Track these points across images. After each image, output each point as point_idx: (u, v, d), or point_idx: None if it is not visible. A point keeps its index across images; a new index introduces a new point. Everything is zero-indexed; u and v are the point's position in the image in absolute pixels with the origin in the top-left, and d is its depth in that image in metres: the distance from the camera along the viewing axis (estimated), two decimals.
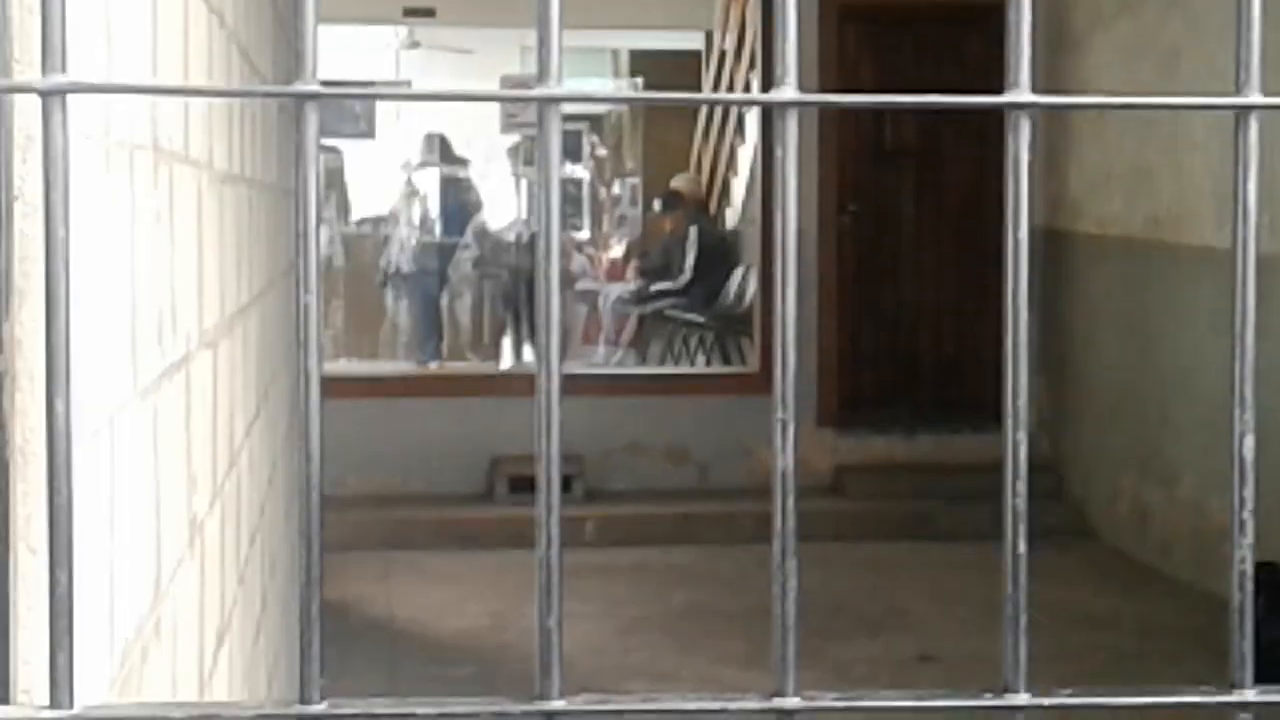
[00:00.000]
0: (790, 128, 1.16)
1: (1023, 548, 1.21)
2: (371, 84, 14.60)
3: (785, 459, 1.19)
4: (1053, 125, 10.32)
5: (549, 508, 1.14)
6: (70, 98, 1.05)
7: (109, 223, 1.53)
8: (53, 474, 1.04)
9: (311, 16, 1.09)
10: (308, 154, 1.11)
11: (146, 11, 1.78)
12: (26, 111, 1.22)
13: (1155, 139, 9.10)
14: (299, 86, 1.09)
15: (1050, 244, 10.35)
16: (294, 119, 1.09)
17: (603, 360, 13.36)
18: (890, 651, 7.69)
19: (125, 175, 1.62)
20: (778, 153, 1.17)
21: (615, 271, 14.90)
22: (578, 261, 14.45)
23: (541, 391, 1.15)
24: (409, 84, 15.57)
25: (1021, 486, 1.20)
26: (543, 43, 1.12)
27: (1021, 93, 1.16)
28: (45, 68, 1.03)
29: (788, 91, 1.15)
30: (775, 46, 1.17)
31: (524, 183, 14.90)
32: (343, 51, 14.26)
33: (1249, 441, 1.19)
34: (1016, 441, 1.20)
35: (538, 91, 1.11)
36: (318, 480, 1.12)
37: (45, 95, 1.03)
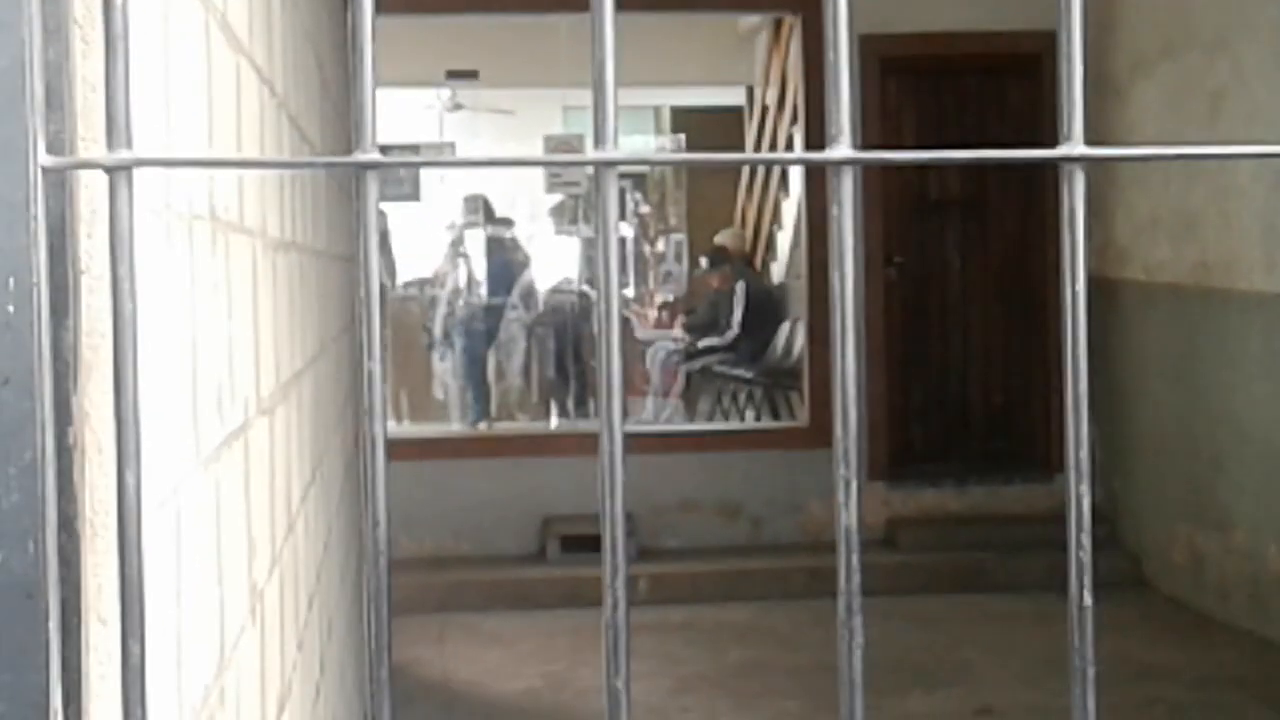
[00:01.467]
0: (846, 185, 1.17)
1: (1089, 600, 1.21)
2: (416, 147, 14.68)
3: (849, 516, 1.19)
4: (1098, 172, 10.31)
5: (614, 569, 1.15)
6: (134, 172, 1.06)
7: (171, 294, 1.54)
8: (124, 546, 1.05)
9: (370, 86, 1.11)
10: (369, 222, 1.12)
11: (202, 84, 1.80)
12: (91, 186, 1.24)
13: (1201, 184, 9.08)
14: (359, 156, 1.10)
15: (1099, 291, 10.32)
16: (354, 188, 1.10)
17: (652, 415, 13.36)
18: (948, 706, 7.64)
19: (185, 246, 1.64)
20: (833, 211, 1.17)
21: (661, 324, 14.93)
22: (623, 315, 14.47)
23: (604, 454, 1.15)
24: (453, 146, 15.64)
25: (1086, 539, 1.20)
26: (598, 106, 1.13)
27: (1075, 145, 1.17)
28: (111, 144, 1.04)
29: (843, 149, 1.16)
30: (828, 104, 1.18)
31: (568, 242, 14.95)
32: (386, 115, 14.37)
33: None
34: (1080, 494, 1.20)
35: (594, 155, 1.12)
36: (385, 545, 1.12)
37: (112, 171, 1.05)
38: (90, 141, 1.23)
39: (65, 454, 1.18)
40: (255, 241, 2.37)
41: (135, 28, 1.06)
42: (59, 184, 1.19)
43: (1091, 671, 1.20)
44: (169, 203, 1.53)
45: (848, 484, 1.18)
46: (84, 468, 1.22)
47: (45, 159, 1.08)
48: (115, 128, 1.05)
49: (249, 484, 2.19)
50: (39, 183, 1.07)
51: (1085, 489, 1.20)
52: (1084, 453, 1.20)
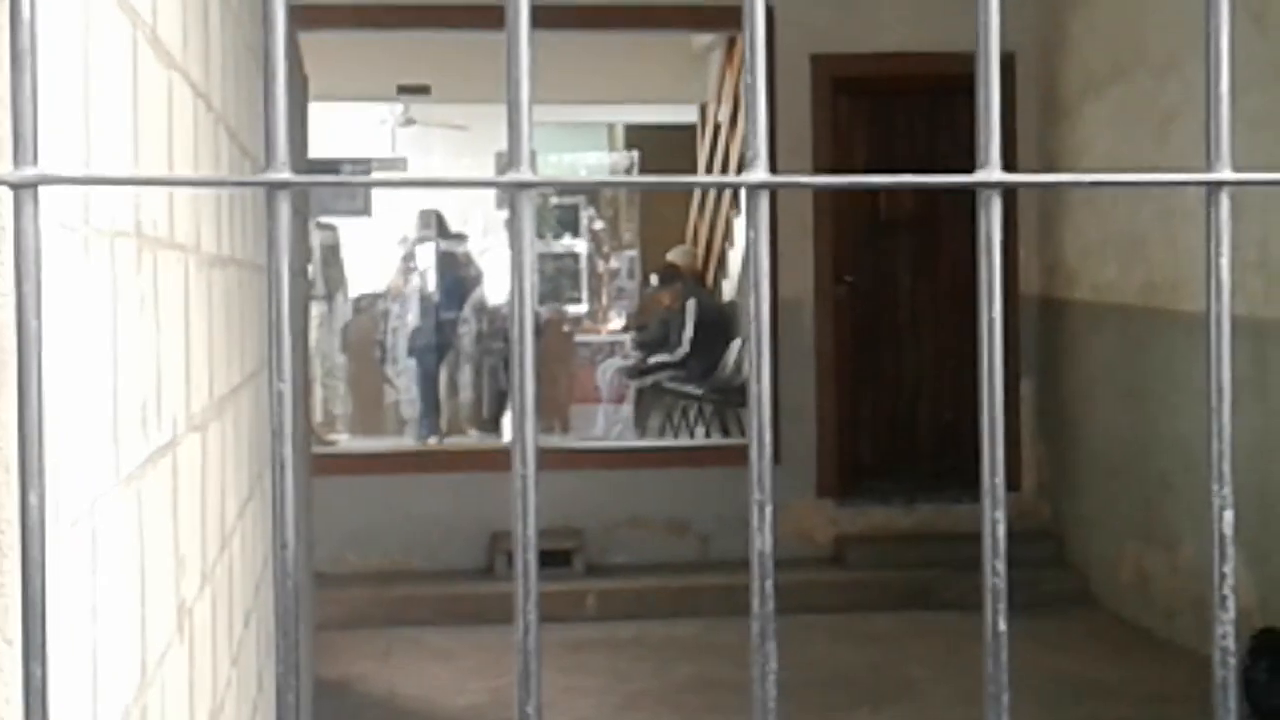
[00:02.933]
0: (762, 209, 1.16)
1: (1003, 625, 1.20)
2: (367, 162, 14.66)
3: (764, 540, 1.18)
4: (1047, 194, 10.35)
5: (526, 593, 1.14)
6: (44, 189, 1.05)
7: (89, 310, 1.53)
8: (26, 566, 1.04)
9: (281, 105, 1.10)
10: (279, 242, 1.11)
11: (127, 99, 1.78)
12: (4, 202, 1.22)
13: (1148, 206, 9.13)
14: (270, 175, 1.09)
15: (1047, 311, 10.37)
16: (266, 207, 1.09)
17: (602, 430, 13.34)
18: None
19: (106, 262, 1.63)
20: (750, 233, 1.17)
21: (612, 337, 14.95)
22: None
23: (518, 475, 1.14)
24: (405, 161, 15.63)
25: (1000, 565, 1.19)
26: (513, 127, 1.13)
27: (992, 171, 1.17)
28: (16, 160, 1.03)
29: (759, 173, 1.15)
30: (747, 127, 1.18)
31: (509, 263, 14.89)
32: (338, 129, 14.33)
33: (1228, 517, 1.19)
34: (995, 520, 1.19)
35: (509, 177, 1.12)
36: (292, 568, 1.11)
37: (16, 188, 1.04)
38: (1, 157, 1.22)
39: None
40: (188, 257, 2.35)
41: (53, 43, 1.05)
42: None
43: (1005, 697, 1.19)
44: (87, 218, 1.52)
45: (761, 508, 1.17)
46: None
47: None
48: (22, 144, 1.03)
49: (177, 501, 2.17)
50: None
51: (1000, 515, 1.20)
52: (999, 478, 1.20)
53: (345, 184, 1.32)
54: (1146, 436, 9.23)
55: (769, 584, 1.19)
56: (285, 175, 1.09)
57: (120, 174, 1.69)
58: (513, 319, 1.15)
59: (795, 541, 9.85)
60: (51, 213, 1.09)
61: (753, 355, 1.19)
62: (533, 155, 1.14)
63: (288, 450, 1.13)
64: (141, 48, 1.88)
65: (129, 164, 1.79)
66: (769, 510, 1.19)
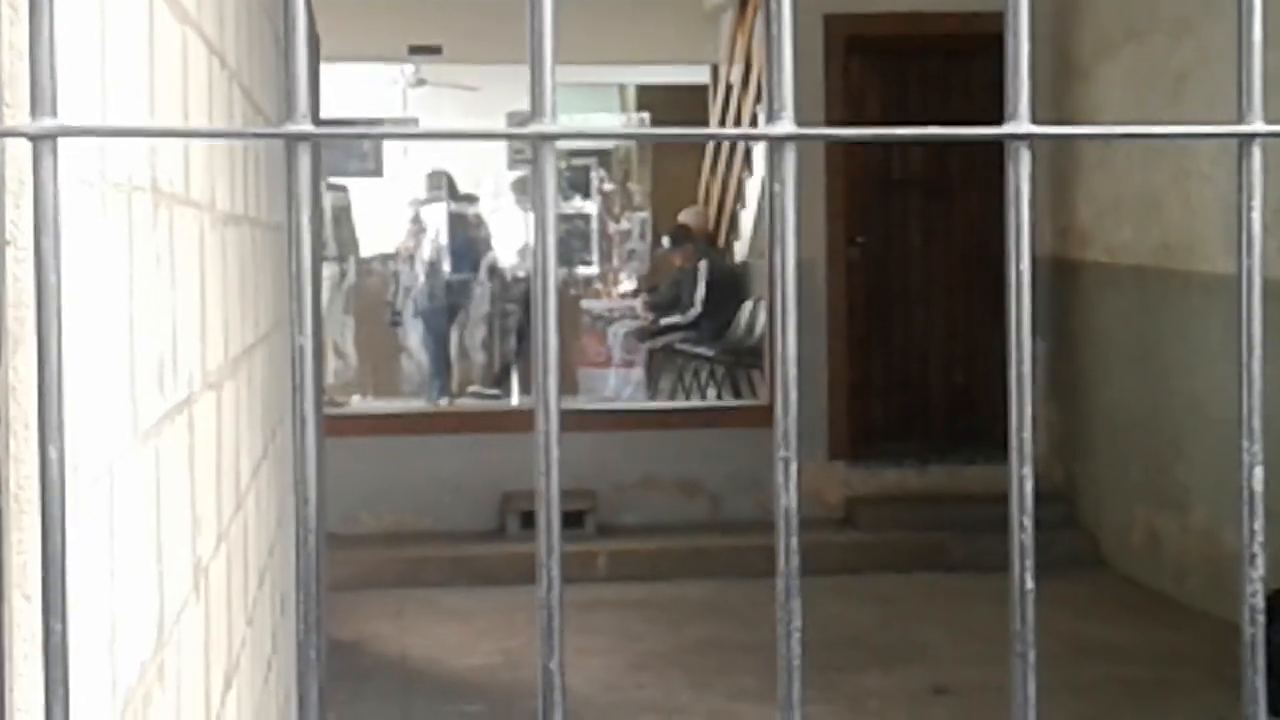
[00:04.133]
0: (789, 161, 1.15)
1: (1030, 584, 1.19)
2: (379, 122, 14.63)
3: (789, 497, 1.17)
4: (1060, 154, 10.31)
5: (550, 549, 1.13)
6: (63, 141, 1.04)
7: (106, 266, 1.52)
8: (46, 522, 1.03)
9: (302, 57, 1.08)
10: (300, 196, 1.10)
11: (143, 54, 1.77)
12: (20, 156, 1.21)
13: (1163, 167, 9.09)
14: (289, 127, 1.07)
15: (1060, 272, 10.34)
16: (286, 160, 1.08)
17: (613, 391, 13.34)
18: (905, 684, 7.65)
19: (123, 218, 1.61)
20: (775, 187, 1.16)
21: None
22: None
23: (540, 432, 1.13)
24: (416, 121, 15.60)
25: (1028, 521, 1.18)
26: (536, 80, 1.11)
27: (1021, 124, 1.15)
28: (35, 112, 1.02)
29: (785, 125, 1.14)
30: (770, 80, 1.16)
31: (531, 218, 14.87)
32: (349, 90, 14.30)
33: (1258, 473, 1.18)
34: (1023, 476, 1.18)
35: (532, 129, 1.10)
36: (314, 524, 1.10)
37: (35, 139, 1.03)
38: (17, 109, 1.21)
39: None
40: (203, 214, 2.34)
41: None
42: None
43: (1032, 655, 1.18)
44: (104, 173, 1.51)
45: (786, 464, 1.16)
46: (9, 442, 1.20)
47: None
48: (40, 95, 1.02)
49: (193, 459, 2.16)
50: None
51: (1028, 471, 1.19)
52: (1028, 434, 1.19)
53: (366, 136, 1.31)
54: (1159, 399, 9.21)
55: (794, 541, 1.18)
56: (306, 127, 1.08)
57: (132, 126, 1.68)
58: (535, 272, 1.14)
59: (807, 502, 9.68)
60: (69, 167, 1.08)
61: (778, 310, 1.17)
62: (554, 108, 1.13)
63: (309, 405, 1.11)
64: (157, 3, 1.87)
65: (145, 119, 1.78)
66: (794, 467, 1.17)
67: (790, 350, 1.16)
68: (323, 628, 1.16)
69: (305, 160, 1.09)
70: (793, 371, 1.17)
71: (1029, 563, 1.19)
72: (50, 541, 1.03)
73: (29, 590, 1.20)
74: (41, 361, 1.02)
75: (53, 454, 1.03)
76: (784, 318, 1.16)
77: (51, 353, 1.03)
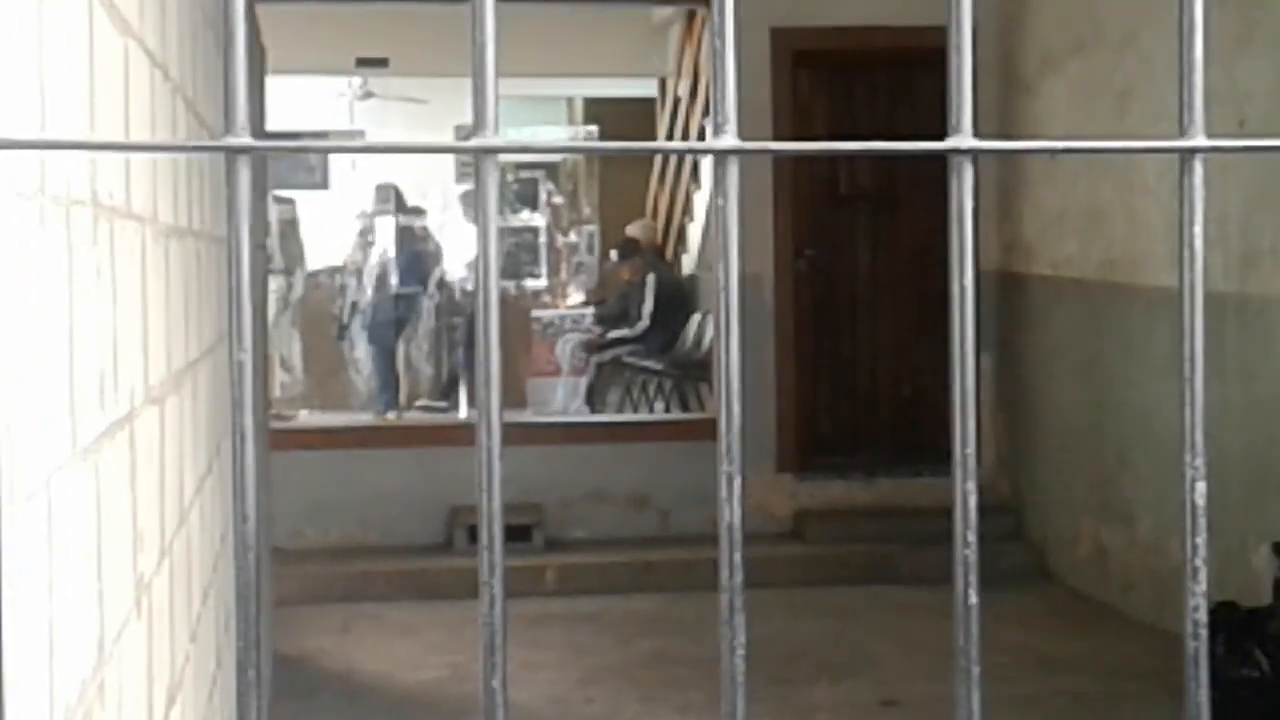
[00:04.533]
0: (732, 175, 1.15)
1: (974, 598, 1.19)
2: (325, 134, 14.59)
3: (732, 512, 1.17)
4: (1005, 168, 10.36)
5: (492, 567, 1.12)
6: (2, 154, 1.03)
7: (45, 280, 1.50)
8: None
9: (240, 69, 1.07)
10: (239, 209, 1.09)
11: (83, 66, 1.75)
12: None
13: (1108, 181, 9.14)
14: (229, 140, 1.07)
15: (1006, 286, 10.38)
16: (225, 174, 1.07)
17: (561, 405, 13.33)
18: (853, 697, 7.66)
19: (62, 232, 1.60)
20: (719, 201, 1.15)
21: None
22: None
23: (482, 448, 1.12)
24: (363, 134, 15.57)
25: (972, 536, 1.18)
26: (478, 92, 1.11)
27: (964, 139, 1.15)
28: None
29: (728, 139, 1.14)
30: (714, 94, 1.16)
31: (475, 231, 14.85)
32: (297, 102, 14.25)
33: (1200, 488, 1.18)
34: (966, 491, 1.18)
35: (474, 143, 1.10)
36: (253, 541, 1.09)
37: None
38: None
39: None
40: (144, 227, 2.32)
41: (7, 9, 1.02)
42: None
43: (976, 670, 1.18)
44: (43, 187, 1.49)
45: (730, 479, 1.15)
46: None
47: None
48: None
49: (135, 474, 2.14)
50: None
51: (972, 486, 1.19)
52: (971, 449, 1.18)
53: (307, 150, 1.30)
54: (1104, 412, 9.25)
55: (738, 556, 1.18)
56: (245, 140, 1.07)
57: (72, 139, 1.67)
58: (478, 287, 1.13)
59: (755, 516, 9.85)
60: (6, 180, 1.07)
61: (721, 325, 1.17)
62: (497, 121, 1.12)
63: (248, 420, 1.10)
64: (98, 13, 1.86)
65: (85, 132, 1.76)
66: (738, 482, 1.17)
67: (733, 364, 1.16)
68: (267, 644, 1.15)
69: (245, 174, 1.08)
70: (735, 385, 1.16)
71: (973, 578, 1.19)
72: None
73: None
74: None
75: None
76: (727, 332, 1.16)
77: None
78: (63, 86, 1.61)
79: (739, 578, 1.17)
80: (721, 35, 1.15)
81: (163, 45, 2.61)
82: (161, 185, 2.57)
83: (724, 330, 1.15)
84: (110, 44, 1.96)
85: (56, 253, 1.57)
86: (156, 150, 2.49)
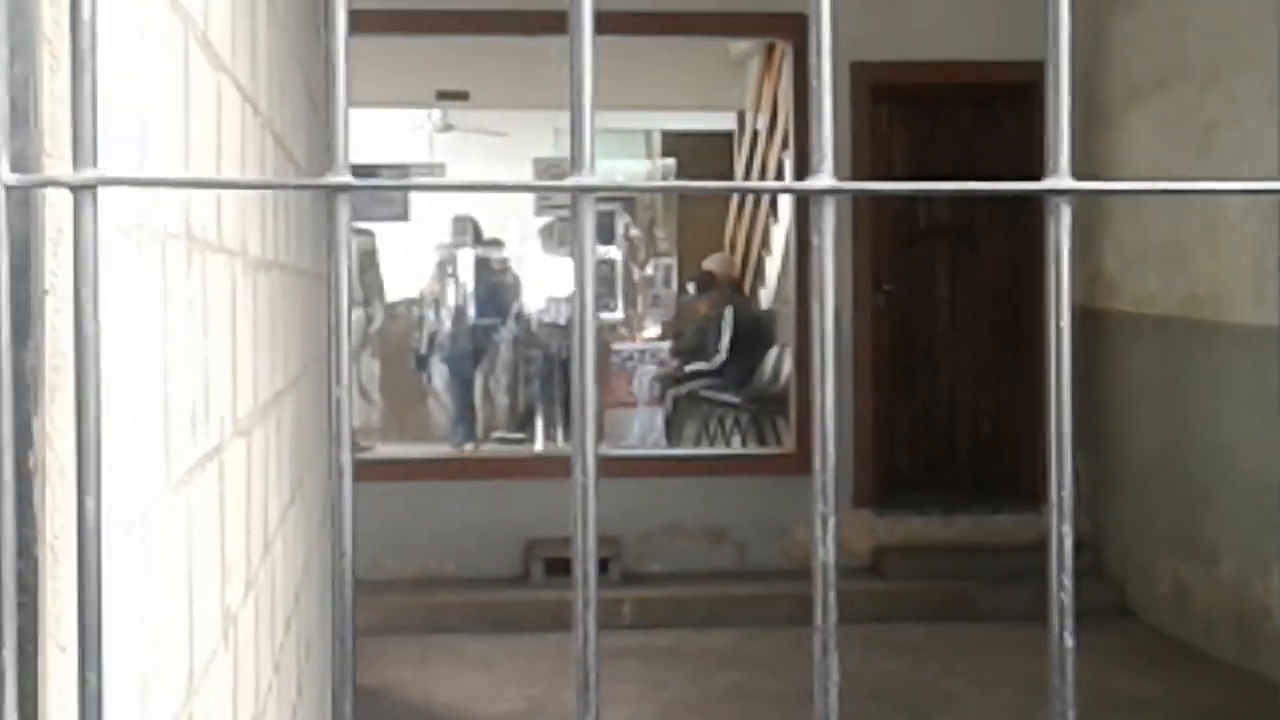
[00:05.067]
0: (828, 215, 1.15)
1: (1070, 641, 1.18)
2: (405, 167, 14.66)
3: (826, 551, 1.16)
4: (1087, 203, 10.30)
5: (586, 602, 1.12)
6: (102, 190, 1.04)
7: (141, 314, 1.52)
8: (83, 572, 1.03)
9: (342, 107, 1.08)
10: (339, 245, 1.09)
11: (179, 102, 1.77)
12: (58, 205, 1.21)
13: (1191, 216, 9.07)
14: (330, 179, 1.07)
15: (1087, 322, 10.31)
16: (326, 210, 1.07)
17: (638, 438, 13.33)
18: None
19: (158, 266, 1.61)
20: (814, 240, 1.15)
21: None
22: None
23: (577, 483, 1.13)
24: (443, 167, 15.64)
25: (1068, 579, 1.17)
26: (576, 132, 1.11)
27: (1061, 179, 1.15)
28: (77, 162, 1.02)
29: (824, 179, 1.13)
30: (812, 133, 1.16)
31: (557, 263, 14.92)
32: (376, 135, 14.35)
33: None
34: (1062, 533, 1.17)
35: (571, 181, 1.10)
36: (351, 575, 1.10)
37: (76, 190, 1.03)
38: (57, 159, 1.21)
39: (25, 478, 1.16)
40: (235, 261, 2.34)
41: (109, 44, 1.04)
42: (24, 202, 1.16)
43: (1072, 715, 1.17)
44: (141, 222, 1.51)
45: (825, 519, 1.15)
46: (45, 491, 1.19)
47: (9, 177, 1.06)
48: (81, 145, 1.02)
49: (224, 506, 2.16)
50: (2, 201, 1.04)
51: (1068, 528, 1.18)
52: (1067, 491, 1.18)
53: (405, 187, 1.31)
54: (1186, 449, 9.17)
55: (831, 595, 1.17)
56: (346, 178, 1.08)
57: (174, 176, 1.68)
58: (575, 323, 1.13)
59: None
60: (107, 215, 1.08)
61: (818, 362, 1.17)
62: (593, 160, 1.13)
63: (346, 456, 1.11)
64: (193, 50, 1.88)
65: (180, 167, 1.78)
66: (832, 522, 1.17)
67: (828, 401, 1.16)
68: (354, 679, 1.16)
69: (345, 211, 1.09)
70: (830, 425, 1.16)
71: (1069, 621, 1.18)
72: (86, 591, 1.03)
73: (64, 641, 1.20)
74: (80, 412, 1.02)
75: (89, 504, 1.03)
76: (823, 369, 1.16)
77: (89, 403, 1.03)
78: (160, 123, 1.63)
79: (833, 617, 1.17)
80: (818, 75, 1.15)
81: (253, 80, 2.63)
82: (250, 219, 2.59)
83: (820, 370, 1.15)
84: (204, 79, 1.99)
85: (152, 286, 1.58)
86: (258, 187, 2.51)
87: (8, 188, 1.06)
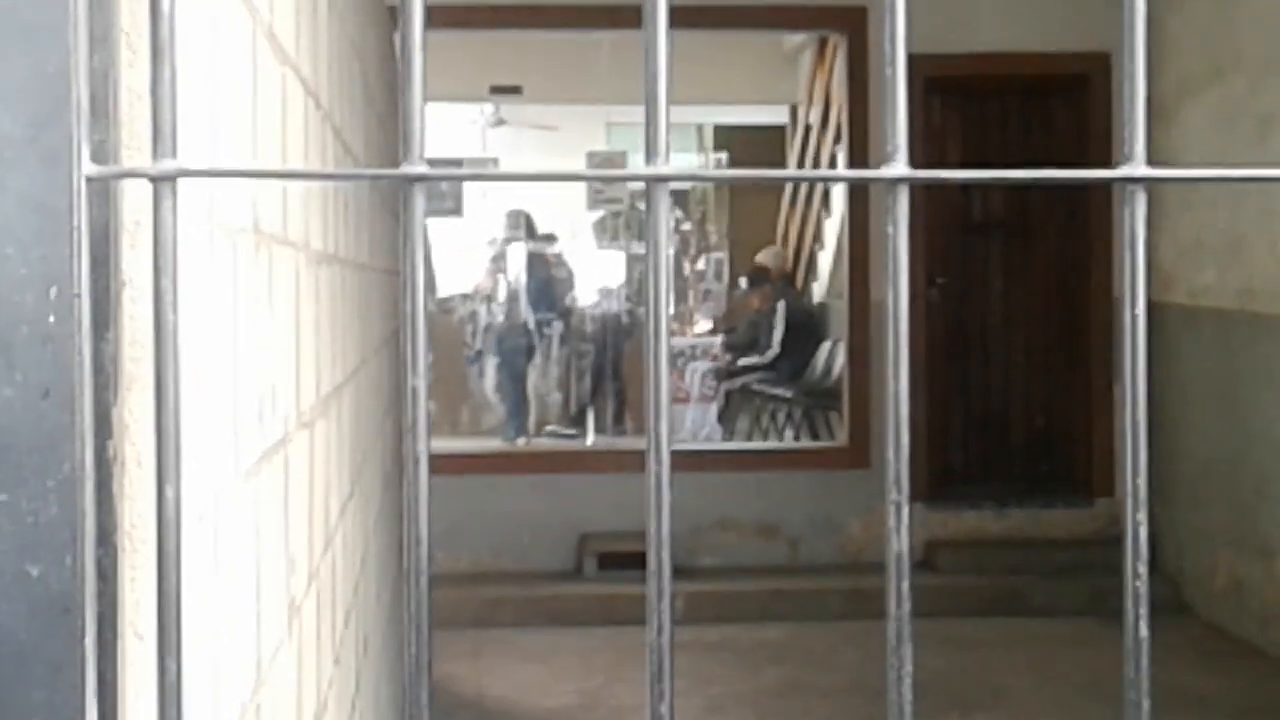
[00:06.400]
0: (902, 204, 1.15)
1: (1144, 630, 1.18)
2: (459, 161, 14.70)
3: (900, 541, 1.16)
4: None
5: (660, 592, 1.12)
6: (179, 183, 1.04)
7: (213, 306, 1.53)
8: (162, 560, 1.03)
9: (419, 98, 1.09)
10: (415, 235, 1.10)
11: (247, 94, 1.78)
12: (135, 196, 1.22)
13: (1247, 209, 9.02)
14: (407, 169, 1.08)
15: None
16: (400, 201, 1.08)
17: (690, 433, 13.34)
18: None
19: (229, 258, 1.62)
20: (888, 229, 1.15)
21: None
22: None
23: (651, 475, 1.13)
24: (496, 161, 15.67)
25: (1142, 568, 1.17)
26: (650, 120, 1.11)
27: (1137, 167, 1.14)
28: (156, 153, 1.03)
29: (899, 168, 1.13)
30: (883, 122, 1.16)
31: (610, 258, 14.94)
32: (430, 128, 14.39)
33: None
34: (1137, 522, 1.17)
35: (647, 171, 1.10)
36: (426, 564, 1.10)
37: (156, 181, 1.03)
38: (135, 151, 1.22)
39: (104, 467, 1.17)
40: (298, 254, 2.35)
41: (182, 36, 1.04)
42: (103, 194, 1.17)
43: (1146, 704, 1.17)
44: (212, 214, 1.52)
45: (899, 508, 1.15)
46: (123, 481, 1.20)
47: (89, 168, 1.06)
48: (161, 137, 1.03)
49: (288, 498, 2.17)
50: (83, 192, 1.05)
51: (1143, 516, 1.18)
52: (1142, 479, 1.17)
53: (479, 178, 1.31)
54: (1242, 443, 9.12)
55: (905, 585, 1.17)
56: (422, 169, 1.08)
57: (242, 168, 1.69)
58: (648, 314, 1.14)
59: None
60: (183, 208, 1.08)
61: (890, 354, 1.17)
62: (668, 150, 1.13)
63: (422, 446, 1.12)
64: (260, 42, 1.88)
65: (248, 159, 1.79)
66: (905, 511, 1.17)
67: (903, 390, 1.15)
68: (431, 671, 1.16)
69: (420, 201, 1.09)
70: (904, 412, 1.16)
71: (1143, 610, 1.18)
72: (166, 580, 1.03)
73: (142, 629, 1.21)
74: (159, 401, 1.03)
75: (169, 493, 1.04)
76: (896, 357, 1.16)
77: (169, 393, 1.03)
78: (230, 115, 1.64)
79: (907, 607, 1.16)
80: (893, 63, 1.15)
81: (315, 73, 2.64)
82: (313, 213, 2.60)
83: (894, 355, 1.15)
84: (270, 72, 2.00)
85: (223, 279, 1.59)
86: (336, 179, 2.52)
87: (89, 179, 1.06)
